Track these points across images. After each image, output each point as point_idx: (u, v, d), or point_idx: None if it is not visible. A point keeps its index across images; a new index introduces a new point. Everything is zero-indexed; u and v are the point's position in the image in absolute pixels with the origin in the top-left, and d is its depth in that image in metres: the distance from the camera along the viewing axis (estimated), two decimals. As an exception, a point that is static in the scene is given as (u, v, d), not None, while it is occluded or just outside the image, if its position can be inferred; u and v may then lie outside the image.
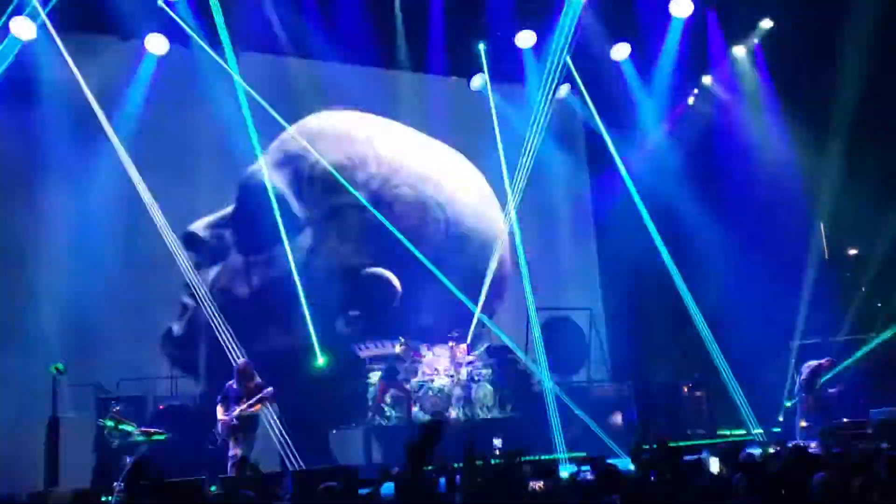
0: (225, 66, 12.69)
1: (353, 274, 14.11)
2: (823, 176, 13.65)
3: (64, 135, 12.22)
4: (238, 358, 10.78)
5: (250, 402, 9.52)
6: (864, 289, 14.26)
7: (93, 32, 12.57)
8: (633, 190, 14.28)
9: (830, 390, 11.69)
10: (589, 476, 6.55)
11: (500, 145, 14.63)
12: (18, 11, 11.34)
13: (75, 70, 11.81)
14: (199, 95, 13.00)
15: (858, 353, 12.44)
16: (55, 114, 12.11)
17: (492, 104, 14.62)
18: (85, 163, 12.33)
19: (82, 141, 12.24)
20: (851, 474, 4.94)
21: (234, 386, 9.70)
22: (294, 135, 13.87)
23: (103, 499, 8.76)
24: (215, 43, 12.91)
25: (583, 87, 14.71)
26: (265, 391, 9.64)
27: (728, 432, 13.26)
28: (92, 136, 12.13)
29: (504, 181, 14.57)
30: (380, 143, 14.91)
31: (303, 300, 12.88)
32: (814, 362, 11.83)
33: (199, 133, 13.22)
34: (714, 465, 6.93)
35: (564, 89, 15.44)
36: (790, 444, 8.33)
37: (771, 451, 8.38)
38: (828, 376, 11.74)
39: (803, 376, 11.76)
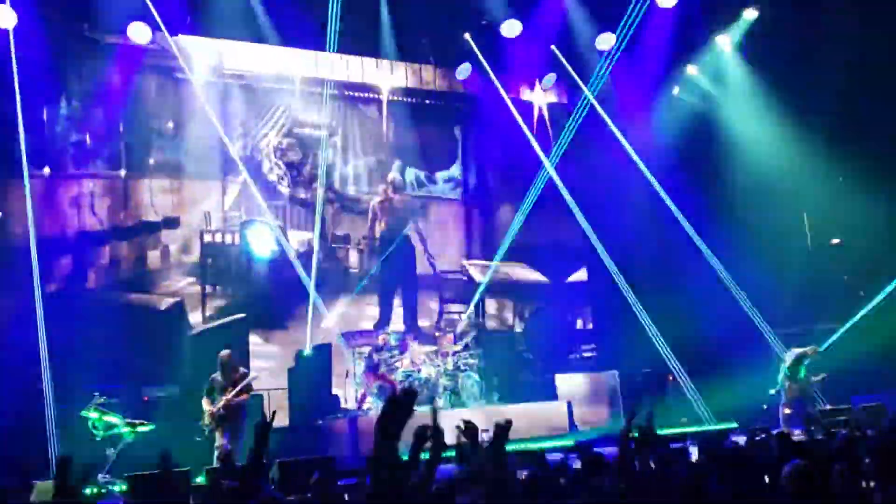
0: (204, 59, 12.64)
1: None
2: (807, 166, 13.70)
3: (51, 124, 12.10)
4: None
5: (235, 391, 9.50)
6: (846, 278, 14.36)
7: (74, 20, 12.42)
8: (618, 178, 14.30)
9: (814, 378, 11.78)
10: (576, 463, 6.56)
11: (485, 133, 14.62)
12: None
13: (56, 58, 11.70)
14: (188, 86, 12.89)
15: (841, 341, 12.54)
16: (41, 102, 11.99)
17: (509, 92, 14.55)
18: (74, 154, 12.21)
19: (70, 131, 12.14)
20: (833, 461, 4.97)
21: (219, 377, 9.68)
22: (290, 127, 13.85)
23: (85, 491, 8.71)
24: (200, 32, 12.80)
25: (574, 73, 14.70)
26: (249, 378, 9.64)
27: (713, 420, 13.31)
28: (79, 126, 12.01)
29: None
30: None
31: (312, 292, 12.72)
32: (797, 350, 11.92)
33: (187, 123, 13.12)
34: (695, 453, 6.97)
35: (551, 78, 15.49)
36: (774, 432, 8.40)
37: (756, 438, 8.43)
38: (810, 363, 11.82)
39: (787, 364, 11.85)
